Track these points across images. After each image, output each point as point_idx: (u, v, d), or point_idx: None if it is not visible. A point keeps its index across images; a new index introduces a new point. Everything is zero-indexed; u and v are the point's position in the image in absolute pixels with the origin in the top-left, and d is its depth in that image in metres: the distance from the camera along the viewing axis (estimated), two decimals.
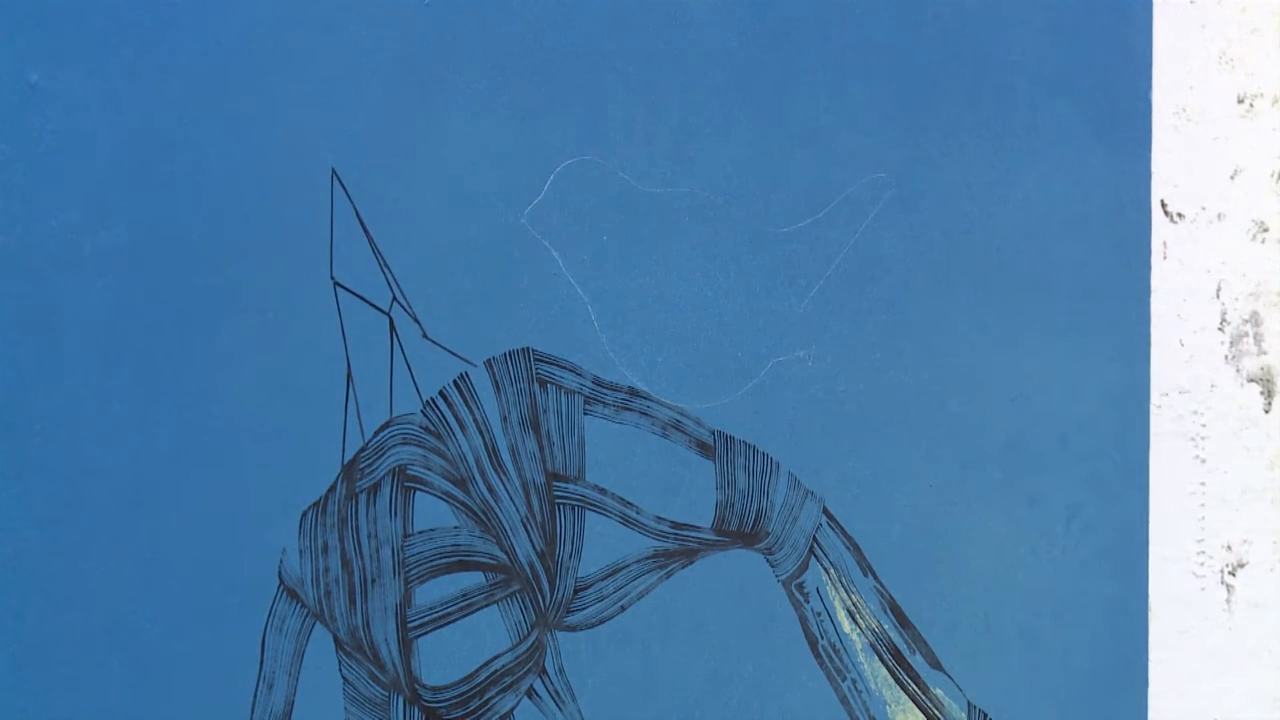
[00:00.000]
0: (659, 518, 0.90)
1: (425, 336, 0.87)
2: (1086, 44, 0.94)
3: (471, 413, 0.88)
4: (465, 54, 0.87)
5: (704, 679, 0.89)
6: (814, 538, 0.91)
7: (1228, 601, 0.97)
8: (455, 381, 0.88)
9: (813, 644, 0.91)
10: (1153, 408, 0.95)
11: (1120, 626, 0.94)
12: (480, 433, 0.89)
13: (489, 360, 0.88)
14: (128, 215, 0.84)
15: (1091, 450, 0.93)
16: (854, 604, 0.92)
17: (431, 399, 0.88)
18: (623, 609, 0.89)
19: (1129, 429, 0.94)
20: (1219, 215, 0.97)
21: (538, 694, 0.89)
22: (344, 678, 0.87)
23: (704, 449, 0.90)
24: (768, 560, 0.91)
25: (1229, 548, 0.97)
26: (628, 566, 0.90)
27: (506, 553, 0.89)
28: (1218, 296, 0.97)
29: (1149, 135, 0.95)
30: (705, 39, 0.89)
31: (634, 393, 0.89)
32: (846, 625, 0.92)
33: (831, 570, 0.91)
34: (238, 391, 0.85)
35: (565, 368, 0.89)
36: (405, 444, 0.88)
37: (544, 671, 0.89)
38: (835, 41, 0.91)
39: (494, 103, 0.87)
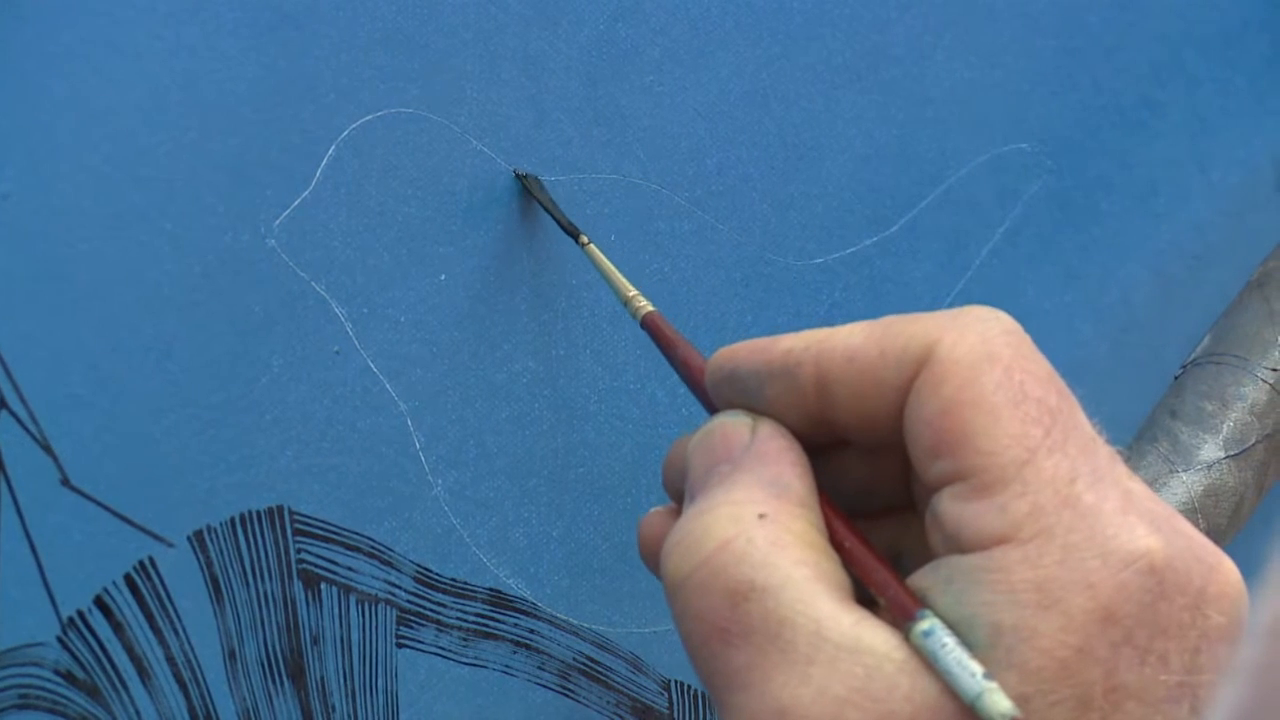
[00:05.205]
0: None
1: (65, 483, 0.42)
2: None
3: (162, 642, 0.43)
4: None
5: None
6: None
7: None
8: (131, 573, 0.42)
9: None
10: None
11: None
12: (180, 684, 0.43)
13: (200, 531, 0.43)
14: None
15: None
16: None
17: (76, 614, 0.42)
18: None
19: None
20: None
21: None
22: None
23: None
24: None
25: None
26: None
27: None
28: None
29: None
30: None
31: (502, 602, 0.44)
32: None
33: None
34: None
35: (360, 549, 0.43)
36: (24, 708, 0.42)
37: None
38: None
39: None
